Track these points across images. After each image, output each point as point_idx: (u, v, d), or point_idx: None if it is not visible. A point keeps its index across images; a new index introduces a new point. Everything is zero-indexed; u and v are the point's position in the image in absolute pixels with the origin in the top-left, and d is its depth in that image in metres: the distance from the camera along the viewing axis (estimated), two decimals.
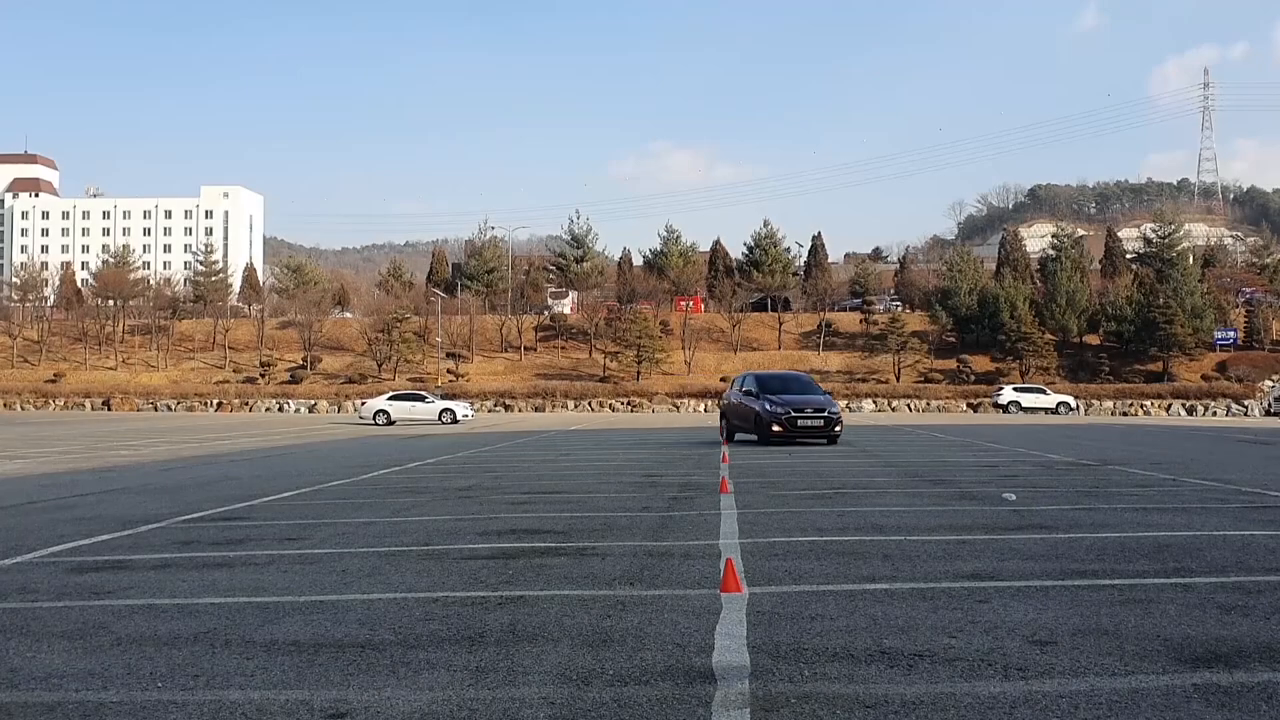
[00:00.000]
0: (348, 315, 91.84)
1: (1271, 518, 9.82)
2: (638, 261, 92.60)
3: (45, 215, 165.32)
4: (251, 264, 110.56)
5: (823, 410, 22.46)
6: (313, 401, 69.07)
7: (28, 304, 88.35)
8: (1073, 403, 61.71)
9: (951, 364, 72.24)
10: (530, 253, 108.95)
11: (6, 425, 40.72)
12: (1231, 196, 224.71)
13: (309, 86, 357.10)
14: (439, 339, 75.37)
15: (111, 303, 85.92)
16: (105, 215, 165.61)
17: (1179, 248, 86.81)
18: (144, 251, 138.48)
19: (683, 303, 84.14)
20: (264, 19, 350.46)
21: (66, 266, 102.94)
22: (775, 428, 21.90)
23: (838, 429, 22.56)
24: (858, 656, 4.73)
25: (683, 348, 75.07)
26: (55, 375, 75.72)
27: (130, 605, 6.11)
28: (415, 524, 9.75)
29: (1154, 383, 68.12)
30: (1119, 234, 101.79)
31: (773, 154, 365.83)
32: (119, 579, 7.01)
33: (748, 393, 23.86)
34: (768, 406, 22.33)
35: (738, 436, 24.64)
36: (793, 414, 22.04)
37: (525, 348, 79.54)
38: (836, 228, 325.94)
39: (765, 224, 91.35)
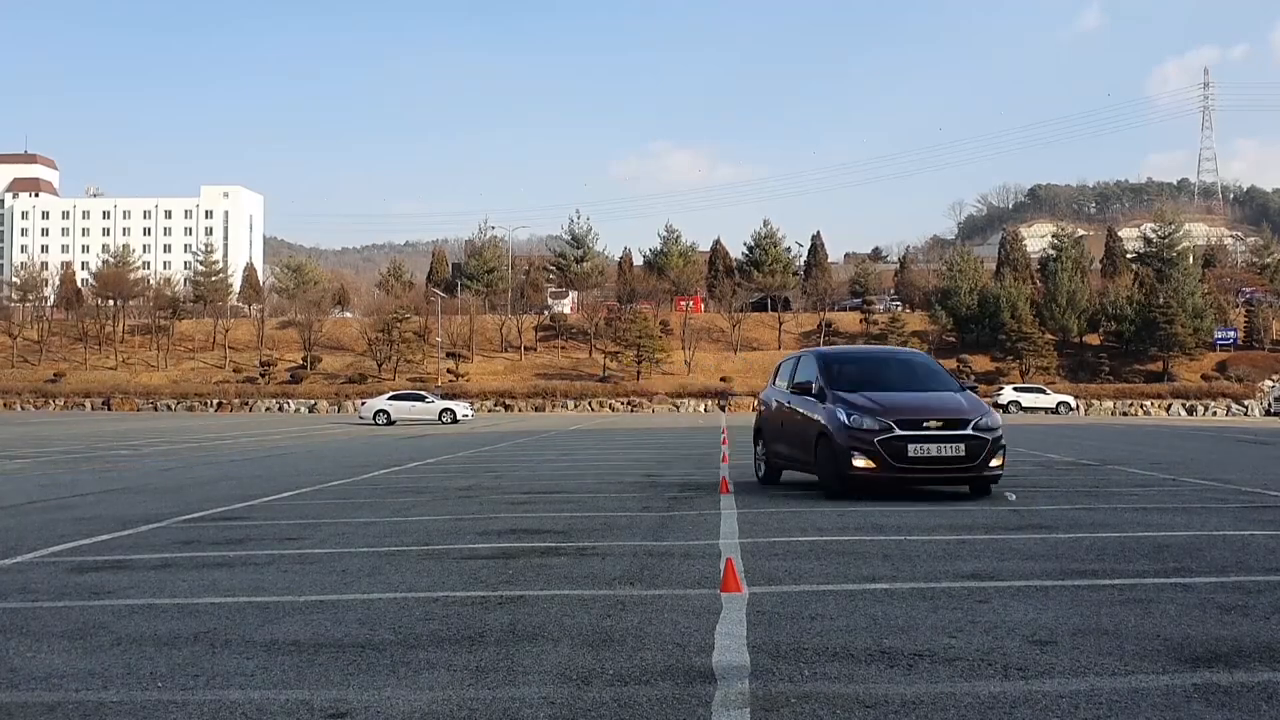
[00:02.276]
0: (348, 315, 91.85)
1: (1271, 518, 9.83)
2: (638, 261, 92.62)
3: (45, 215, 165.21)
4: (251, 264, 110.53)
5: (965, 422, 11.07)
6: (313, 401, 69.07)
7: (28, 304, 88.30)
8: (1073, 402, 61.73)
9: (951, 364, 72.07)
10: (530, 253, 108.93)
11: (6, 425, 40.71)
12: (1231, 196, 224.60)
13: (309, 86, 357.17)
14: (439, 339, 75.35)
15: (111, 303, 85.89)
16: (105, 215, 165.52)
17: (1179, 248, 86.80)
18: (144, 251, 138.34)
19: (683, 302, 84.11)
20: (264, 19, 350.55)
21: (66, 266, 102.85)
22: (861, 461, 10.89)
23: (994, 463, 11.18)
24: (858, 656, 4.73)
25: (683, 348, 75.05)
26: (55, 375, 75.71)
27: (130, 605, 6.11)
28: (415, 524, 9.76)
29: (1154, 383, 68.11)
30: (1119, 234, 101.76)
31: (773, 154, 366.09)
32: (119, 579, 7.02)
33: (800, 387, 12.31)
34: (844, 416, 11.16)
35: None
36: (898, 432, 10.83)
37: (525, 348, 79.53)
38: (836, 228, 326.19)
39: (765, 224, 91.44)
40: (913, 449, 10.76)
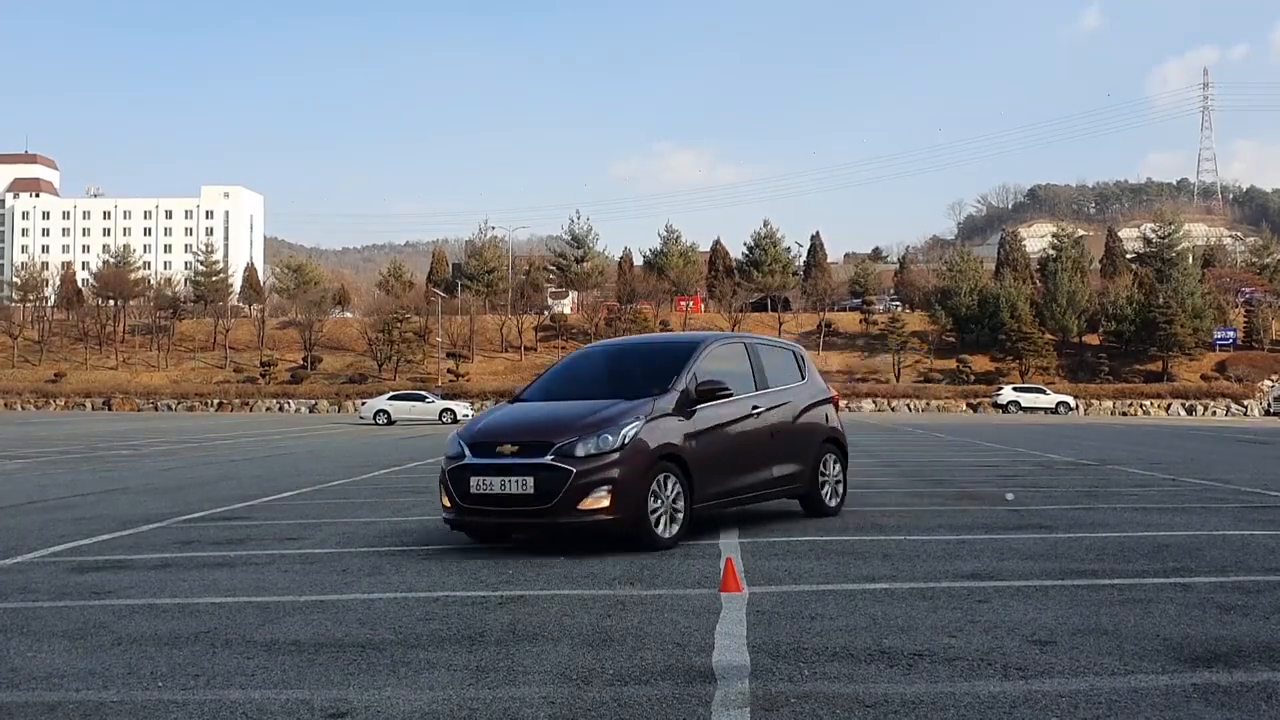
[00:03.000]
0: (348, 315, 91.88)
1: (1271, 518, 9.83)
2: (638, 261, 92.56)
3: (45, 215, 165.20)
4: (252, 264, 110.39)
5: (546, 446, 7.73)
6: (313, 401, 69.08)
7: (28, 304, 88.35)
8: (1072, 403, 61.77)
9: (951, 364, 72.22)
10: (530, 253, 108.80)
11: (7, 425, 40.70)
12: (1231, 196, 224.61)
13: (309, 86, 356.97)
14: (439, 339, 75.35)
15: (112, 303, 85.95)
16: (105, 215, 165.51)
17: (1179, 248, 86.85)
18: (144, 251, 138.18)
19: (683, 303, 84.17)
20: (264, 19, 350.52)
21: (67, 266, 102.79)
22: (443, 497, 8.28)
23: (588, 506, 7.59)
24: (858, 656, 4.74)
25: None
26: (56, 375, 75.74)
27: (130, 605, 6.12)
28: (415, 524, 9.76)
29: (1154, 383, 68.12)
30: (1119, 234, 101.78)
31: (773, 154, 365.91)
32: (119, 579, 7.02)
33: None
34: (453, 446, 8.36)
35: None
36: (468, 460, 7.99)
37: (526, 348, 79.53)
38: (836, 228, 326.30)
39: (765, 224, 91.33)
40: (475, 483, 7.80)
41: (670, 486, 7.92)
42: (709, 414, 8.42)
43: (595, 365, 9.60)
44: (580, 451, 7.58)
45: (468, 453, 7.97)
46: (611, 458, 7.61)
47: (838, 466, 10.15)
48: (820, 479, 9.86)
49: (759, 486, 9.10)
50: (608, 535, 7.83)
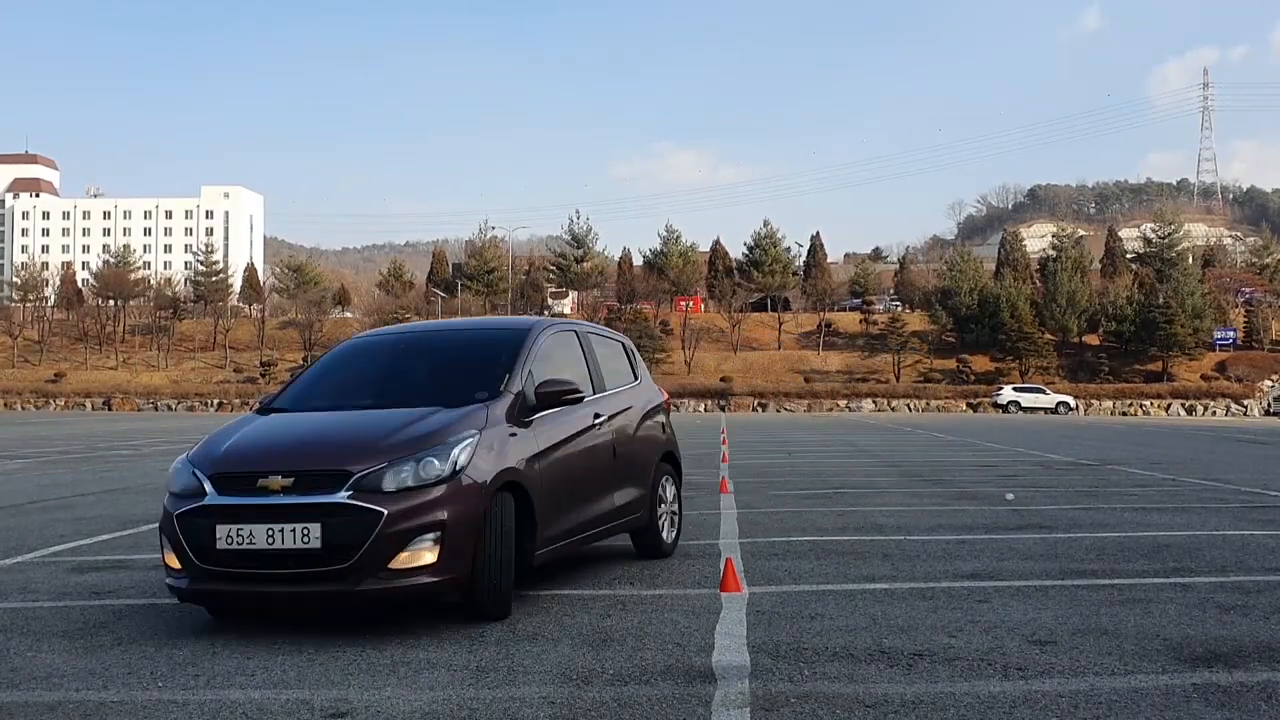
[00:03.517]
0: (348, 315, 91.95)
1: (1271, 518, 9.83)
2: (638, 261, 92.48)
3: (45, 215, 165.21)
4: (252, 264, 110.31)
5: (341, 477, 5.14)
6: None
7: (28, 304, 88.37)
8: (1072, 403, 61.82)
9: (951, 364, 72.25)
10: (530, 253, 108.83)
11: (7, 425, 40.69)
12: (1231, 196, 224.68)
13: (309, 86, 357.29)
14: None
15: (112, 302, 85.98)
16: (105, 215, 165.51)
17: (1179, 248, 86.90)
18: (144, 251, 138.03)
19: (683, 302, 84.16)
20: (265, 19, 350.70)
21: (67, 266, 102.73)
22: (167, 554, 5.48)
23: (404, 564, 5.08)
24: (858, 656, 4.74)
25: (682, 348, 75.06)
26: (56, 375, 75.74)
27: (131, 605, 6.13)
28: None
29: (1154, 383, 68.15)
30: (1119, 234, 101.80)
31: (773, 154, 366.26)
32: (120, 578, 7.02)
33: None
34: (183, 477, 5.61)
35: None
36: (210, 499, 5.29)
37: None
38: (836, 228, 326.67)
39: (765, 224, 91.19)
40: (225, 534, 5.16)
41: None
42: (549, 426, 6.15)
43: (380, 362, 6.90)
44: (390, 484, 5.15)
45: (209, 488, 5.34)
46: (438, 492, 5.22)
47: (673, 491, 7.82)
48: (657, 507, 7.47)
49: (602, 520, 6.74)
50: (426, 601, 5.51)
